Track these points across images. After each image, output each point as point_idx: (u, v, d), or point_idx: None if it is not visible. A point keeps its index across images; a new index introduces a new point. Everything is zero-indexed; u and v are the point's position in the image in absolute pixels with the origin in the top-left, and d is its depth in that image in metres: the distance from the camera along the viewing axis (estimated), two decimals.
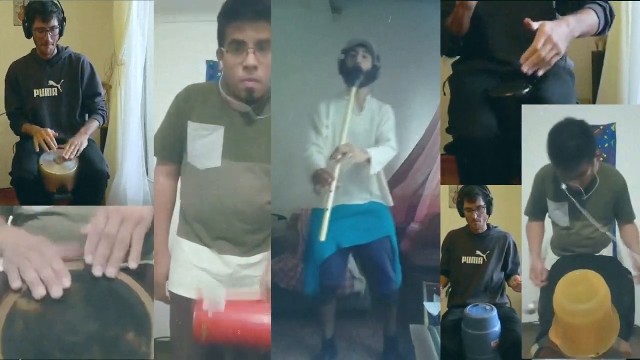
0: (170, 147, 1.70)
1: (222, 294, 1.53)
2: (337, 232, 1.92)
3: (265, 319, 1.46)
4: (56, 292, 1.19)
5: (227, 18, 1.58)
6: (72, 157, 2.15)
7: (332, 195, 1.89)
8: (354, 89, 2.05)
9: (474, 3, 1.78)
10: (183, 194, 1.72)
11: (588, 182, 1.77)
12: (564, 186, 1.77)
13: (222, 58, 1.61)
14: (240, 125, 1.64)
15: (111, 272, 1.27)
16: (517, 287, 2.03)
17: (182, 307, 1.65)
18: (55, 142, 2.17)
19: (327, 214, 1.87)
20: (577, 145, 1.67)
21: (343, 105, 2.07)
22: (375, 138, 2.10)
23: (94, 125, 2.27)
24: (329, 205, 1.88)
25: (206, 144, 1.63)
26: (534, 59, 1.64)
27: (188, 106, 1.66)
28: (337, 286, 2.20)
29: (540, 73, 1.68)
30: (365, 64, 2.07)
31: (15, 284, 1.18)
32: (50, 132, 2.17)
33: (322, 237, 1.87)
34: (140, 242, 1.32)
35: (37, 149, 2.15)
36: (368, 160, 2.00)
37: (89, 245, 1.27)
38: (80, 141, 2.19)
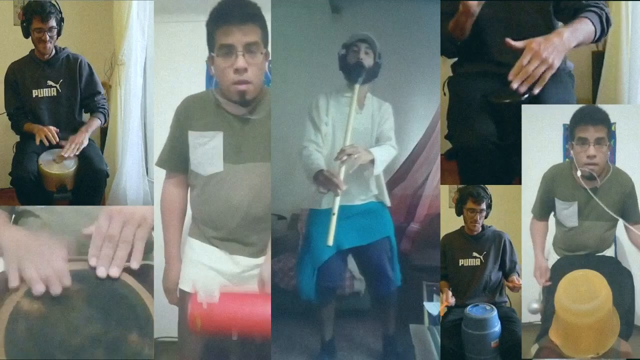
0: (176, 158, 1.73)
1: (217, 286, 1.54)
2: (338, 233, 1.89)
3: (262, 309, 1.47)
4: (56, 290, 1.19)
5: (215, 23, 1.60)
6: (71, 155, 2.16)
7: (338, 199, 1.87)
8: (357, 86, 2.01)
9: (477, 9, 1.77)
10: (192, 202, 1.76)
11: (602, 167, 1.78)
12: (579, 173, 1.77)
13: (213, 64, 1.63)
14: (238, 128, 1.66)
15: (114, 272, 1.27)
16: (515, 289, 2.03)
17: None
18: (56, 136, 2.18)
19: (334, 218, 1.85)
20: (599, 112, 1.77)
21: (343, 103, 2.05)
22: (376, 137, 2.08)
23: (95, 124, 2.28)
24: (336, 209, 1.86)
25: (207, 151, 1.66)
26: (522, 75, 1.64)
27: (188, 117, 1.69)
28: (336, 288, 2.18)
29: (536, 91, 1.67)
30: (368, 61, 2.04)
31: (13, 283, 1.18)
32: (53, 128, 2.19)
33: (330, 241, 1.85)
34: (143, 243, 1.33)
35: (38, 143, 2.16)
36: (372, 161, 1.97)
37: (93, 248, 1.28)
38: (81, 140, 2.19)
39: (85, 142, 2.20)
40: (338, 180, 1.87)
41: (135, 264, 1.31)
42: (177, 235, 1.75)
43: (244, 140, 1.67)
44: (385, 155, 2.04)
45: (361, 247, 2.08)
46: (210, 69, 1.67)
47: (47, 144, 2.16)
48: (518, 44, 1.65)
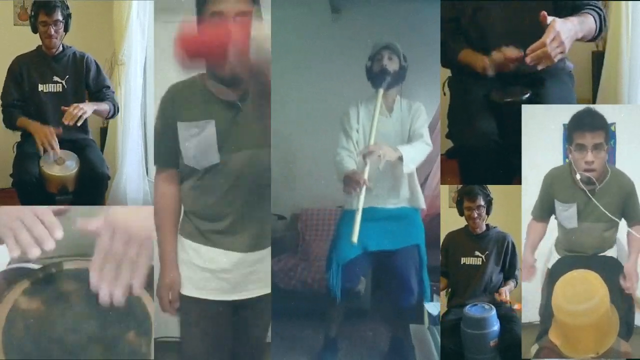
0: (165, 152, 1.68)
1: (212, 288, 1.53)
2: (365, 235, 1.89)
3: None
4: (49, 246, 1.16)
5: None
6: (71, 123, 2.10)
7: (362, 196, 1.88)
8: (381, 91, 2.03)
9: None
10: (185, 195, 1.70)
11: (600, 172, 1.79)
12: (578, 176, 1.78)
13: None
14: (230, 114, 1.62)
15: (118, 297, 1.19)
16: (501, 301, 2.02)
17: (192, 308, 1.66)
18: (57, 143, 2.13)
19: (358, 216, 1.86)
20: (596, 117, 1.78)
21: (372, 110, 2.05)
22: (408, 137, 2.07)
23: (104, 106, 2.23)
24: (360, 206, 1.87)
25: (200, 142, 1.61)
26: (540, 53, 1.63)
27: (175, 107, 1.64)
28: (355, 288, 2.16)
29: (539, 67, 1.67)
30: (392, 66, 2.05)
31: (14, 252, 1.16)
32: (53, 130, 2.13)
33: (354, 238, 1.85)
34: (146, 267, 1.25)
35: (41, 152, 2.12)
36: (400, 158, 1.96)
37: (95, 263, 1.20)
38: (85, 110, 2.12)
39: (88, 114, 2.14)
40: (359, 176, 1.89)
41: (138, 290, 1.22)
42: (171, 237, 1.66)
43: (238, 127, 1.62)
44: (415, 152, 2.01)
45: (388, 252, 2.06)
46: None
47: (48, 149, 2.11)
48: (549, 18, 1.63)
